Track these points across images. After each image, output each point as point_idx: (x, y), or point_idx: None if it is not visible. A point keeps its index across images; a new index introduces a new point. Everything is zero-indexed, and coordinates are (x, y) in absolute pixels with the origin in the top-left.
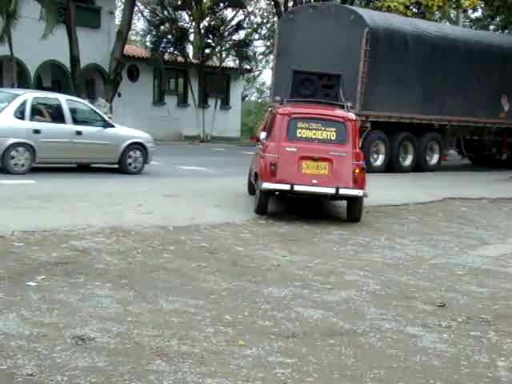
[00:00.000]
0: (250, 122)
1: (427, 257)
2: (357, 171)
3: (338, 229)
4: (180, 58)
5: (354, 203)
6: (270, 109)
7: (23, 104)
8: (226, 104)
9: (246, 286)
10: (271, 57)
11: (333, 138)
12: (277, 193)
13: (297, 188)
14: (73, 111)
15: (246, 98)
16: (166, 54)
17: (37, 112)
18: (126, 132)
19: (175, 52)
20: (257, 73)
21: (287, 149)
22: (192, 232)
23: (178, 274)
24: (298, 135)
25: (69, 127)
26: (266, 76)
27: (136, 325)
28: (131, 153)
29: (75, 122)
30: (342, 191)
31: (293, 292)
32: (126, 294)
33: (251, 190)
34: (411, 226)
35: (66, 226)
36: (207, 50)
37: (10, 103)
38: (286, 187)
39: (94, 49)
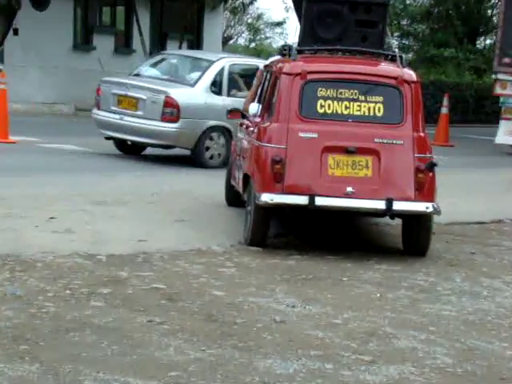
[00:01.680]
0: None
1: None
2: (422, 171)
3: (382, 261)
4: None
5: (418, 225)
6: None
7: (220, 74)
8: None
9: (229, 356)
10: None
11: (379, 113)
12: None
13: (321, 202)
14: None
15: (231, 41)
16: None
17: (233, 84)
18: None
19: None
20: None
21: (301, 134)
22: (139, 265)
23: (114, 334)
24: (320, 111)
25: None
26: (265, 3)
27: None
28: None
29: None
30: (398, 206)
31: (307, 367)
32: (27, 369)
33: (231, 198)
34: (507, 257)
35: None
36: None
37: (204, 73)
38: (302, 200)
39: None
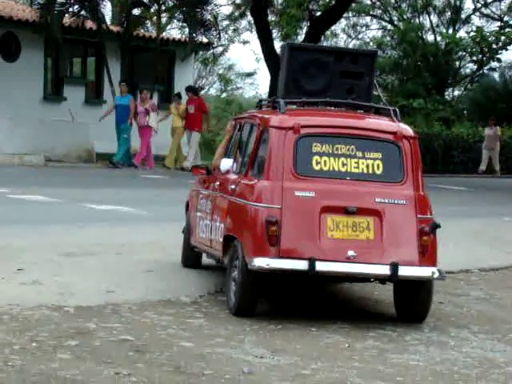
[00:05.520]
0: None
1: (502, 360)
2: (426, 233)
3: (350, 311)
4: (90, 24)
5: (418, 290)
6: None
7: None
8: (167, 101)
9: None
10: (243, 23)
11: (378, 171)
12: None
13: (321, 267)
14: None
15: (202, 92)
16: (67, 17)
17: None
18: None
19: (82, 13)
20: (219, 49)
21: (297, 193)
22: (107, 316)
23: None
24: (316, 168)
25: None
26: (236, 54)
27: None
28: None
29: None
30: (404, 271)
31: None
32: None
33: (191, 259)
34: (475, 307)
35: None
36: (136, 11)
37: None
38: (301, 266)
39: None
